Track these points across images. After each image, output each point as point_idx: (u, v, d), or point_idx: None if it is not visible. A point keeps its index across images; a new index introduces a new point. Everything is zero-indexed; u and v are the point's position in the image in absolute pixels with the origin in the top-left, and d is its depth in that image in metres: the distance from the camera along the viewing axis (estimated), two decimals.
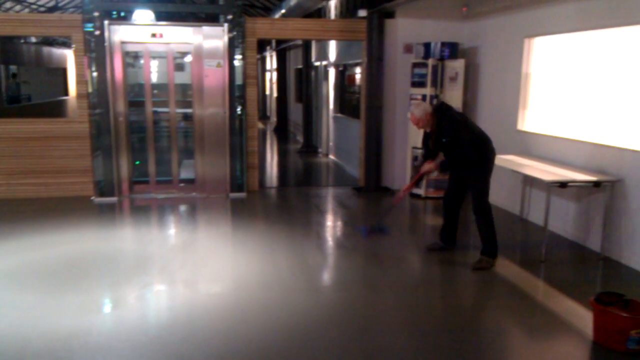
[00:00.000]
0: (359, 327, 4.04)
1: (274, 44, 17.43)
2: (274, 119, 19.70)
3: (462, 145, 5.01)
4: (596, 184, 5.38)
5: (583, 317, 4.07)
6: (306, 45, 13.31)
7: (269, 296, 4.54)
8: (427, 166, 5.29)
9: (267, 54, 20.88)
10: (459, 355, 3.66)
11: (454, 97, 7.83)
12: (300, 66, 14.21)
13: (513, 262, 5.38)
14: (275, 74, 18.18)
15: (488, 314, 4.38)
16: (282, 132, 17.45)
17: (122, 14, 8.52)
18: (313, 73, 13.48)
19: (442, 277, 5.19)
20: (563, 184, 5.29)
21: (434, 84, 7.82)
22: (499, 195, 6.95)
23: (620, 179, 5.32)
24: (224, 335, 3.84)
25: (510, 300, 4.63)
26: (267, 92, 22.48)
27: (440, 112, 5.18)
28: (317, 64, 13.17)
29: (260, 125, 18.21)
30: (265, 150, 13.92)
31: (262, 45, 19.64)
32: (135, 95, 8.19)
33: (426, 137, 5.43)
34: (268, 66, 21.43)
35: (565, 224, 6.14)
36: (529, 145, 6.68)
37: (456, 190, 5.45)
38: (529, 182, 6.79)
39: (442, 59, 7.83)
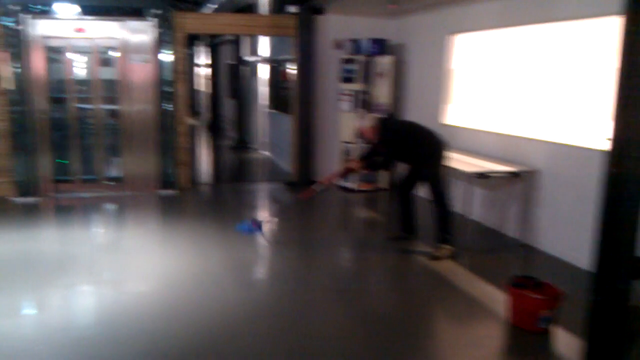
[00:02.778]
0: (289, 320, 4.08)
1: (206, 39, 17.16)
2: (206, 114, 19.42)
3: (411, 153, 5.38)
4: (515, 174, 5.65)
5: (500, 301, 4.27)
6: (237, 41, 13.21)
7: (198, 293, 4.51)
8: (353, 163, 5.40)
9: (199, 49, 20.51)
10: (383, 342, 3.77)
11: (383, 93, 8.01)
12: (232, 62, 14.09)
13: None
14: (207, 70, 17.91)
15: (410, 301, 4.52)
16: (214, 128, 17.24)
17: (44, 7, 8.18)
18: (246, 69, 13.39)
19: (369, 267, 5.30)
20: (483, 175, 5.53)
21: (363, 79, 7.96)
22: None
23: (537, 169, 5.60)
24: (151, 334, 3.79)
25: (432, 287, 4.81)
26: (200, 87, 22.10)
27: (384, 125, 5.38)
28: (250, 59, 13.09)
29: (192, 121, 17.91)
30: (197, 147, 13.72)
31: (193, 40, 19.27)
32: (59, 91, 7.89)
33: (372, 151, 5.58)
34: (200, 61, 21.06)
35: (487, 213, 6.41)
36: (453, 138, 6.89)
37: (408, 179, 5.67)
38: (452, 173, 7.02)
39: (371, 55, 7.98)
